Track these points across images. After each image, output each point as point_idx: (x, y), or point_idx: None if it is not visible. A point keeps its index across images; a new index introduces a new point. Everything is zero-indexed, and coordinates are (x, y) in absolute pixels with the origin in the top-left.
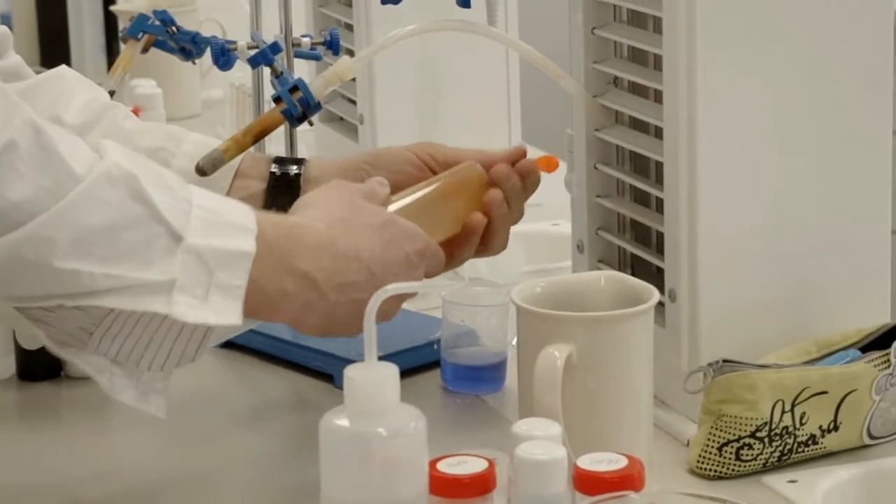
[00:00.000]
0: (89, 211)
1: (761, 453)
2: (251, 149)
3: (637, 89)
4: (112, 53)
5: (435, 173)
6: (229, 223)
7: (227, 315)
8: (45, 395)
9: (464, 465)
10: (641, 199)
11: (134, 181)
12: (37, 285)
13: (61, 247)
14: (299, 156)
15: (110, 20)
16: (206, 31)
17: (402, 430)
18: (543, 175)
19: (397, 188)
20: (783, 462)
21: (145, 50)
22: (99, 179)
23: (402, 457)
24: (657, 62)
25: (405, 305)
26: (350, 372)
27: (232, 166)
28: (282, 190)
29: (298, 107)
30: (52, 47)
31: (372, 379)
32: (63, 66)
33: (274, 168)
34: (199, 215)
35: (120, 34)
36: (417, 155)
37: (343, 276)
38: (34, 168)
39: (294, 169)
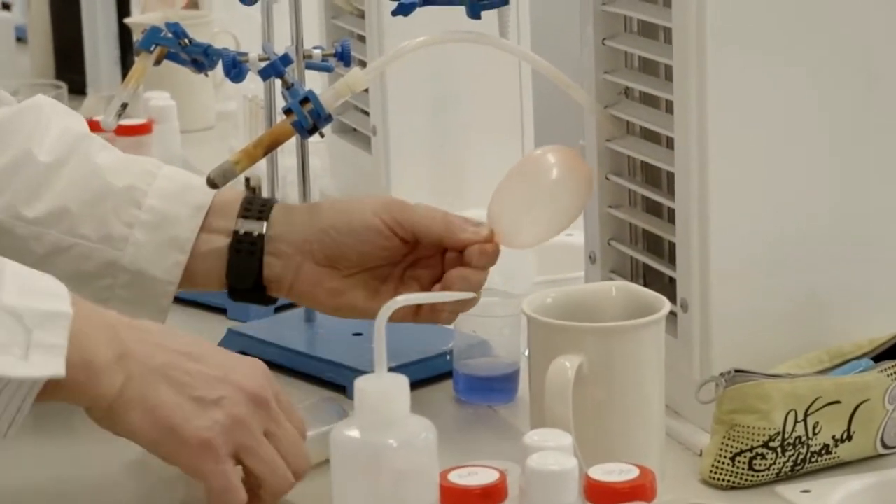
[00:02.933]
0: None
1: (774, 463)
2: (229, 184)
3: (648, 100)
4: (126, 66)
5: (404, 242)
6: (44, 287)
7: (50, 368)
8: (58, 405)
9: (475, 476)
10: (653, 209)
11: None
12: None
13: None
14: (307, 170)
15: (125, 33)
16: (220, 43)
17: (412, 441)
18: None
19: (363, 258)
20: (796, 472)
21: (157, 62)
22: None
23: (412, 468)
24: (668, 72)
25: None
26: (360, 383)
27: (202, 205)
28: (244, 254)
29: (309, 118)
30: (67, 60)
31: (382, 390)
32: (39, 96)
33: (238, 226)
34: (12, 279)
35: (133, 46)
36: (385, 222)
37: (171, 362)
38: None
39: (257, 229)
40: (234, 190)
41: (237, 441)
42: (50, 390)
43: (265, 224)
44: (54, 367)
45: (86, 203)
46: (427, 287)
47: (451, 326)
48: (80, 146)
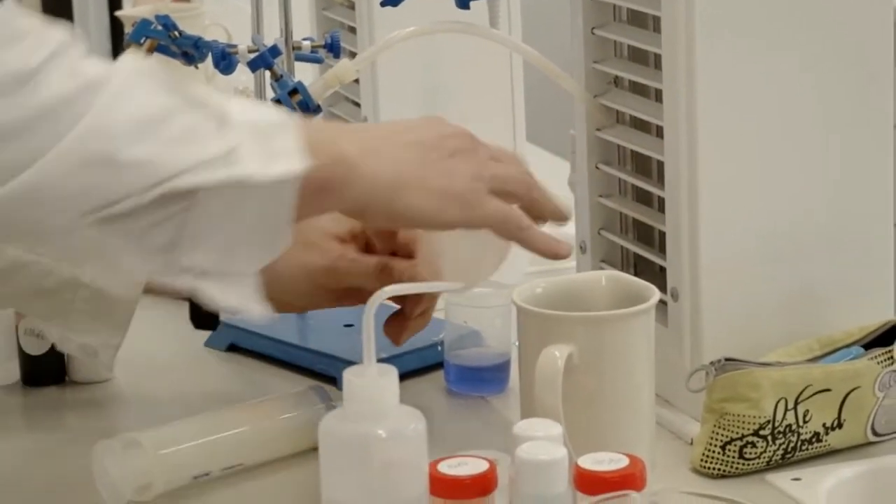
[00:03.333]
0: (133, 102)
1: (765, 451)
2: None
3: (638, 89)
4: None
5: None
6: (263, 107)
7: (294, 166)
8: (50, 401)
9: (464, 466)
10: (643, 198)
11: (165, 74)
12: (109, 187)
13: (119, 137)
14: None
15: (116, 26)
16: (212, 36)
17: (401, 432)
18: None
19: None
20: (787, 460)
21: (148, 54)
22: (132, 73)
23: (402, 458)
24: (657, 62)
25: None
26: (349, 374)
27: None
28: None
29: (298, 110)
30: None
31: (371, 381)
32: None
33: None
34: (234, 103)
35: (124, 40)
36: (317, 283)
37: (402, 134)
38: (74, 70)
39: None
40: None
41: (491, 174)
42: (314, 195)
43: None
44: (297, 165)
45: None
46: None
47: (442, 317)
48: None
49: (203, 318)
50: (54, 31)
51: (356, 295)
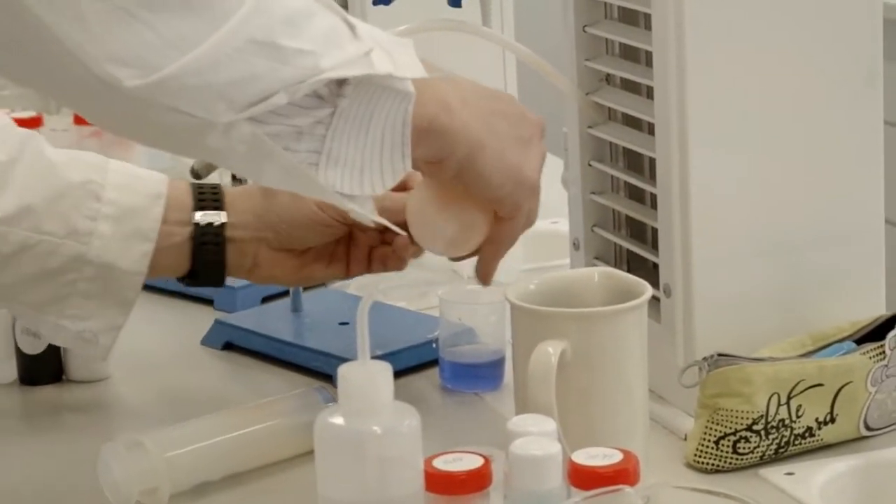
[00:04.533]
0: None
1: (758, 446)
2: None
3: (629, 86)
4: None
5: (346, 224)
6: (380, 31)
7: (420, 70)
8: (47, 400)
9: (459, 462)
10: (636, 195)
11: None
12: (268, 75)
13: (276, 26)
14: None
15: None
16: None
17: (396, 428)
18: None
19: (314, 241)
20: (780, 455)
21: None
22: None
23: (397, 455)
24: (648, 59)
25: (403, 304)
26: (344, 371)
27: (159, 194)
28: (210, 246)
29: None
30: None
31: (365, 377)
32: None
33: (198, 218)
34: (355, 20)
35: None
36: (329, 214)
37: (491, 101)
38: None
39: (217, 219)
40: (178, 180)
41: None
42: (419, 134)
43: (223, 213)
44: (421, 70)
45: (47, 199)
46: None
47: (436, 314)
48: (29, 143)
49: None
50: None
51: (353, 255)
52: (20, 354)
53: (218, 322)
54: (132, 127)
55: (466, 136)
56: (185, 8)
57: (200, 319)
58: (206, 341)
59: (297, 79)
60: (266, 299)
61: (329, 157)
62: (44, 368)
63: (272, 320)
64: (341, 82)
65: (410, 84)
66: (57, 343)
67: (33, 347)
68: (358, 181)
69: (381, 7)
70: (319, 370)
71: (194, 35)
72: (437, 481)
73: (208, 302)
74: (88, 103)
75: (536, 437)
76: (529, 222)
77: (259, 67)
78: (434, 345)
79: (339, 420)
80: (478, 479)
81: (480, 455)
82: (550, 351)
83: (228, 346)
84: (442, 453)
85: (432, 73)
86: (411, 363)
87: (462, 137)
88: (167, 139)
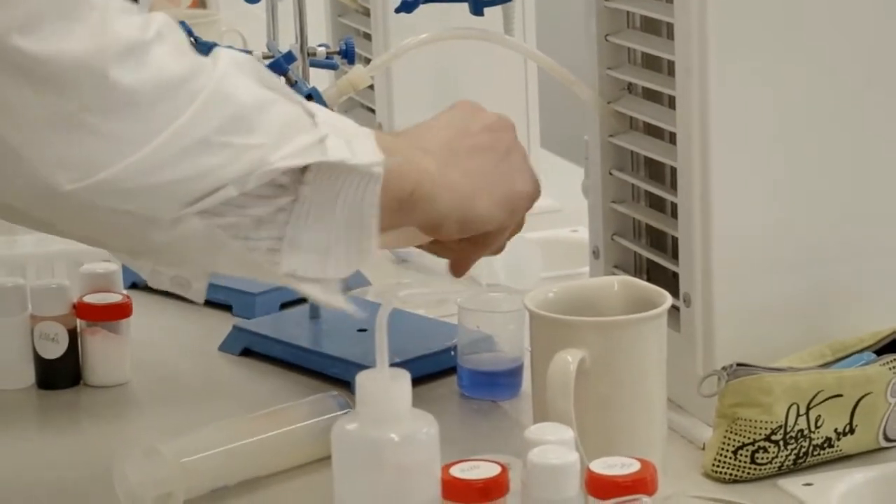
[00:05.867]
0: (238, 89)
1: (777, 456)
2: None
3: (651, 95)
4: None
5: None
6: (343, 118)
7: (377, 155)
8: (65, 404)
9: (477, 470)
10: (656, 204)
11: (259, 69)
12: (217, 170)
13: (228, 123)
14: None
15: None
16: (228, 42)
17: (414, 436)
18: (561, 180)
19: None
20: (799, 465)
21: None
22: (230, 65)
23: (414, 462)
24: (670, 68)
25: (422, 311)
26: (362, 378)
27: None
28: None
29: None
30: None
31: (384, 385)
32: None
33: None
34: (313, 105)
35: None
36: None
37: (461, 139)
38: (181, 52)
39: None
40: None
41: (535, 183)
42: (399, 209)
43: None
44: (379, 155)
45: None
46: None
47: (455, 322)
48: None
49: None
50: (156, 14)
51: None
52: (38, 359)
53: (236, 328)
54: (77, 230)
55: (453, 195)
56: (128, 111)
57: (218, 325)
58: (224, 347)
59: (245, 172)
60: (284, 305)
61: (291, 244)
62: (62, 373)
63: (290, 326)
64: (304, 169)
65: (377, 165)
66: (156, 286)
67: (51, 352)
68: (321, 265)
69: (402, 15)
70: (337, 377)
71: (137, 138)
72: (454, 489)
73: (226, 308)
74: (36, 210)
75: (554, 446)
76: (519, 227)
77: (205, 165)
78: (452, 352)
79: (356, 427)
80: (495, 488)
81: (498, 463)
82: (569, 359)
83: (246, 352)
84: (459, 461)
85: (392, 145)
86: (429, 370)
87: (450, 199)
88: (113, 239)
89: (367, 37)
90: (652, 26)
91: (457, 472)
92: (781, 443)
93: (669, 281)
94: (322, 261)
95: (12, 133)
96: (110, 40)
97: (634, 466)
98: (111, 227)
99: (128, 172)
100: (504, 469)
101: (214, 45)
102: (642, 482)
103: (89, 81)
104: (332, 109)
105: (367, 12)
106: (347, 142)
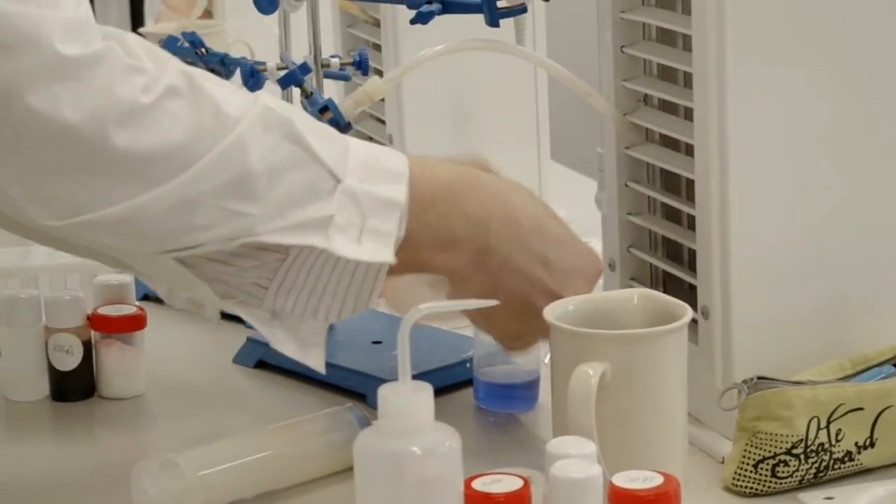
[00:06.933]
0: (249, 153)
1: (797, 470)
2: None
3: (667, 107)
4: None
5: None
6: (385, 168)
7: (378, 255)
8: (79, 416)
9: (499, 484)
10: (673, 216)
11: (289, 125)
12: (201, 230)
13: (227, 187)
14: None
15: None
16: (236, 53)
17: (436, 449)
18: (573, 192)
19: None
20: (819, 479)
21: None
22: (254, 122)
23: (436, 476)
24: (687, 79)
25: (437, 323)
26: (384, 391)
27: None
28: None
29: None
30: None
31: (406, 398)
32: None
33: None
34: (356, 158)
35: None
36: None
37: (519, 237)
38: (192, 113)
39: None
40: None
41: None
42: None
43: None
44: (383, 254)
45: None
46: None
47: (470, 334)
48: None
49: None
50: (173, 62)
51: None
52: (52, 370)
53: (250, 340)
54: (61, 245)
55: (459, 268)
56: (117, 172)
57: (232, 337)
58: (239, 359)
59: (229, 237)
60: None
61: (281, 286)
62: (76, 385)
63: None
64: None
65: (382, 266)
66: (173, 305)
67: (66, 364)
68: (314, 308)
69: (415, 26)
70: (352, 389)
71: (121, 195)
72: (476, 503)
73: (240, 320)
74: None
75: (576, 460)
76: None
77: (188, 223)
78: (468, 365)
79: (378, 440)
80: (518, 502)
81: (520, 477)
82: (590, 373)
83: (261, 365)
84: (481, 474)
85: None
86: (445, 383)
87: (448, 269)
88: (94, 256)
89: (377, 48)
90: (668, 37)
91: (479, 485)
92: (802, 456)
93: (686, 293)
94: (311, 307)
95: (4, 175)
96: (110, 104)
97: (657, 480)
98: (90, 251)
99: (106, 219)
100: (526, 483)
101: (225, 55)
102: (665, 496)
103: (82, 143)
104: (349, 120)
105: (376, 23)
106: (363, 218)
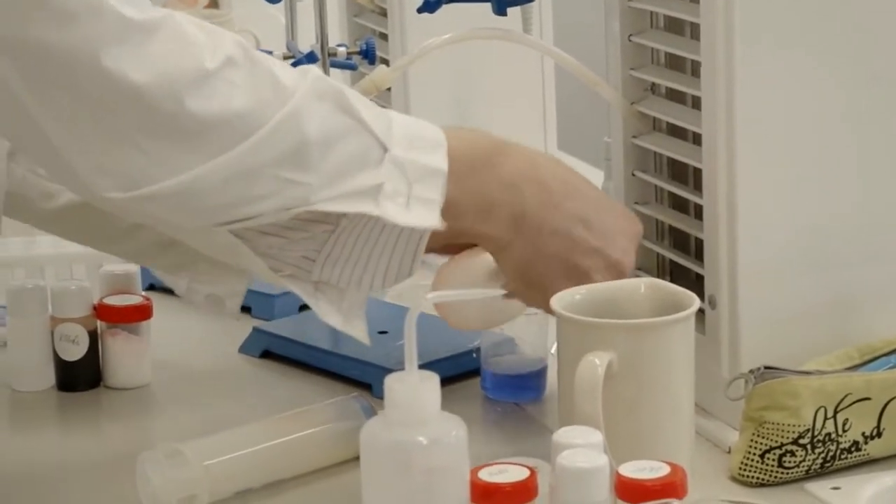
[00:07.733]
0: (305, 122)
1: (804, 460)
2: None
3: (674, 96)
4: None
5: None
6: (425, 138)
7: (426, 221)
8: (85, 406)
9: (505, 474)
10: (680, 205)
11: (341, 96)
12: (258, 200)
13: (285, 157)
14: None
15: None
16: None
17: (443, 439)
18: None
19: None
20: (826, 469)
21: None
22: (308, 93)
23: (443, 465)
24: (694, 68)
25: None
26: (391, 381)
27: None
28: None
29: None
30: None
31: (413, 387)
32: None
33: None
34: (398, 129)
35: None
36: None
37: (553, 200)
38: (251, 82)
39: None
40: None
41: None
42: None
43: None
44: (430, 220)
45: None
46: None
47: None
48: None
49: None
50: (228, 34)
51: None
52: (58, 360)
53: (256, 330)
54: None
55: (498, 236)
56: (180, 137)
57: (238, 327)
58: (244, 349)
59: (283, 206)
60: (304, 307)
61: (329, 257)
62: (82, 375)
63: (310, 328)
64: None
65: (426, 231)
66: (191, 303)
67: (72, 354)
68: (358, 277)
69: (419, 15)
70: (357, 379)
71: (184, 163)
72: (483, 493)
73: (246, 310)
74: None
75: (583, 449)
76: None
77: (245, 194)
78: (475, 354)
79: (385, 430)
80: (524, 491)
81: (526, 467)
82: (597, 362)
83: (266, 354)
84: (487, 464)
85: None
86: (452, 373)
87: (489, 236)
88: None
89: (384, 37)
90: (675, 26)
91: (485, 475)
92: (809, 446)
93: (692, 283)
94: (357, 278)
95: (69, 142)
96: (179, 68)
97: (664, 470)
98: (152, 220)
99: (166, 191)
100: (533, 473)
101: None
102: (672, 486)
103: (154, 106)
104: None
105: (383, 12)
106: (409, 186)
